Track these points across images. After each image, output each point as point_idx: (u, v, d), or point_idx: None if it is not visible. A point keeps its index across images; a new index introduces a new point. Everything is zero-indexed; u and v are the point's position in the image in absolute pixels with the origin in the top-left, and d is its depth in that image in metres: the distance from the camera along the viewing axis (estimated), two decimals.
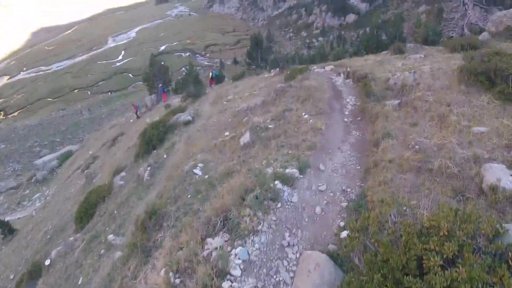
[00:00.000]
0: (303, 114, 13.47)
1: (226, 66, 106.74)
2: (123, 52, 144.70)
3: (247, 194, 8.09)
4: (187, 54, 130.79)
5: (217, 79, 37.86)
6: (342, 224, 7.47)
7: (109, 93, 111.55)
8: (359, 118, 12.86)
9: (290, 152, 10.55)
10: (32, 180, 42.96)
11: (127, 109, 71.34)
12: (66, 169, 41.54)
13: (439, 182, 7.75)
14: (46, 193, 35.99)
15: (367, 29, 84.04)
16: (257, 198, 7.85)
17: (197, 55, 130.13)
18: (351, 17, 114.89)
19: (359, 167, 9.68)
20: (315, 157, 9.97)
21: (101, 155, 33.29)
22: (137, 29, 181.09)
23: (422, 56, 18.52)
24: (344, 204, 8.14)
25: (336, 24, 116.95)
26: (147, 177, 14.74)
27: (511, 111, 9.77)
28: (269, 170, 9.24)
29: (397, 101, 11.98)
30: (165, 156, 16.18)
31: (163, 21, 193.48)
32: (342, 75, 20.31)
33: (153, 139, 18.24)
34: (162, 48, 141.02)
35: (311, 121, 12.43)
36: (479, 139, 8.80)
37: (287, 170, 9.10)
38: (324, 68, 24.52)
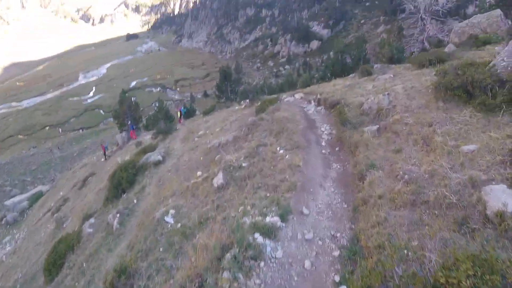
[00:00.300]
0: (278, 149, 12.59)
1: (196, 100, 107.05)
2: (94, 88, 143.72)
3: (224, 252, 7.04)
4: (158, 89, 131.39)
5: (187, 114, 37.69)
6: (337, 278, 6.47)
7: (80, 130, 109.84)
8: (337, 149, 12.05)
9: (268, 195, 9.58)
10: (2, 222, 40.48)
11: (98, 147, 69.59)
12: (37, 210, 39.35)
13: (439, 215, 6.87)
14: (16, 237, 33.69)
15: (331, 53, 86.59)
16: (235, 258, 6.77)
17: (167, 90, 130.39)
18: (314, 44, 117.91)
19: (346, 206, 8.76)
20: (296, 199, 9.00)
21: (71, 197, 31.61)
22: (108, 65, 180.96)
23: (391, 75, 18.20)
24: (336, 253, 7.16)
25: (301, 52, 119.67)
26: (117, 225, 13.82)
27: (496, 123, 9.09)
28: (247, 220, 8.22)
29: (375, 127, 11.26)
30: (135, 201, 15.40)
31: (133, 57, 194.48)
32: (313, 102, 19.81)
33: (123, 183, 17.45)
34: (133, 84, 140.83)
35: (287, 156, 11.52)
36: (470, 158, 8.02)
37: (268, 219, 8.07)
38: (294, 96, 24.18)
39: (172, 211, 11.32)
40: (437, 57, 17.28)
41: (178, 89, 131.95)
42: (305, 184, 9.66)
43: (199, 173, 13.74)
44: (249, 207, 9.13)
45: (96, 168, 36.91)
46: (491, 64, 10.99)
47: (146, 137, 33.31)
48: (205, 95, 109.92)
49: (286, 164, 10.86)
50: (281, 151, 12.29)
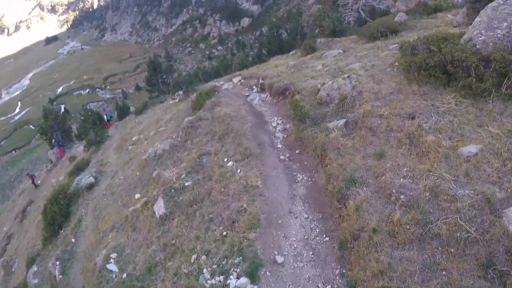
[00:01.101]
0: (226, 160, 10.27)
1: (129, 95, 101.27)
2: (19, 103, 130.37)
3: None
4: (87, 91, 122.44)
5: (112, 120, 35.04)
6: None
7: (13, 151, 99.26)
8: (297, 151, 9.90)
9: (225, 234, 7.32)
10: None
11: (35, 165, 63.23)
12: None
13: (456, 255, 5.27)
14: None
15: (264, 29, 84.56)
16: None
17: (97, 90, 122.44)
18: (245, 21, 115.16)
19: (328, 239, 6.66)
20: (263, 241, 6.80)
21: (15, 233, 27.82)
22: (30, 75, 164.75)
23: (341, 51, 16.21)
24: None
25: (232, 31, 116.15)
26: (59, 274, 12.00)
27: (489, 112, 7.42)
28: (203, 281, 5.83)
29: (342, 121, 9.14)
30: (73, 240, 13.30)
31: (56, 61, 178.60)
32: (255, 88, 17.51)
33: (57, 218, 15.19)
34: (59, 90, 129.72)
35: (239, 172, 9.22)
36: (475, 165, 6.34)
37: (232, 282, 5.77)
38: (232, 81, 21.79)
39: (113, 255, 9.76)
40: (389, 27, 15.53)
41: (108, 87, 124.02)
42: (271, 215, 7.43)
43: (137, 195, 11.88)
44: (204, 256, 7.01)
45: (33, 194, 32.57)
46: (465, 38, 9.26)
47: (79, 149, 29.99)
48: (138, 88, 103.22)
49: (241, 185, 8.57)
50: (230, 163, 9.94)
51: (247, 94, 17.11)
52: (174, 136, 14.34)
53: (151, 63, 39.09)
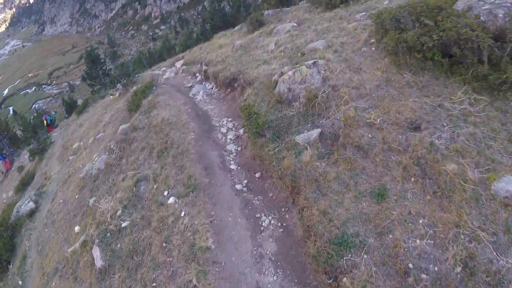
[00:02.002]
0: (166, 193, 7.70)
1: (76, 87, 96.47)
2: None
3: None
4: (33, 88, 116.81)
5: (53, 123, 33.14)
6: None
7: None
8: (257, 175, 7.29)
9: None
10: None
11: None
12: None
13: None
14: None
15: (206, 4, 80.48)
16: None
17: (44, 86, 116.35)
18: None
19: None
20: None
21: None
22: None
23: (295, 24, 13.53)
24: None
25: (173, 8, 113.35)
26: None
27: None
28: None
29: (315, 132, 6.56)
30: (20, 282, 11.81)
31: None
32: (199, 76, 14.73)
33: (2, 253, 14.02)
34: (5, 92, 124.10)
35: (183, 217, 6.79)
36: None
37: None
38: (175, 66, 19.12)
39: None
40: None
41: (54, 81, 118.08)
42: None
43: (77, 228, 10.09)
44: None
45: None
46: (461, 7, 6.91)
47: (27, 156, 27.69)
48: (84, 79, 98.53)
49: (187, 244, 5.99)
50: (172, 199, 7.38)
51: (190, 84, 14.40)
52: (111, 146, 11.85)
53: (88, 55, 34.71)
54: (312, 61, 8.19)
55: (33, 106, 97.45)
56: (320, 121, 6.74)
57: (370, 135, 5.83)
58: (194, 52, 19.63)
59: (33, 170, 21.02)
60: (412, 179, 5.08)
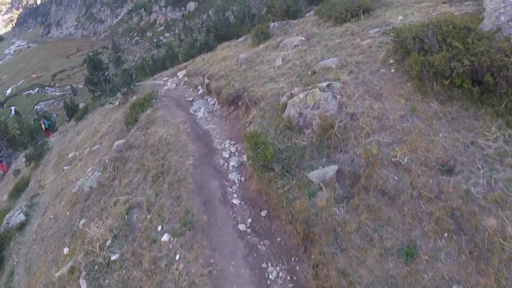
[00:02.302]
0: (160, 228, 6.95)
1: (79, 91, 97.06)
2: None
3: None
4: (36, 90, 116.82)
5: (52, 127, 32.74)
6: None
7: None
8: (263, 213, 6.46)
9: None
10: None
11: None
12: None
13: None
14: None
15: (210, 13, 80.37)
16: None
17: (46, 88, 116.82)
18: (191, 5, 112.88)
19: None
20: None
21: None
22: None
23: (303, 38, 12.79)
24: None
25: (178, 16, 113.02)
26: None
27: None
28: None
29: (331, 169, 5.74)
30: None
31: (2, 62, 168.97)
32: (200, 89, 14.02)
33: None
34: (8, 92, 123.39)
35: (178, 262, 5.99)
36: None
37: None
38: (176, 76, 18.46)
39: None
40: (360, 5, 12.35)
41: (57, 84, 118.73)
42: None
43: (66, 250, 9.29)
44: None
45: None
46: (489, 27, 6.19)
47: (24, 160, 27.75)
48: (86, 84, 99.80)
49: None
50: (166, 237, 6.63)
51: (191, 98, 13.64)
52: (105, 161, 11.16)
53: (90, 60, 34.07)
54: (326, 83, 7.42)
55: (35, 107, 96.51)
56: (337, 156, 5.92)
57: (396, 178, 5.01)
58: (197, 63, 18.91)
59: (28, 176, 20.59)
60: (446, 235, 4.27)
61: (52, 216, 12.42)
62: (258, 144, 6.37)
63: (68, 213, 11.07)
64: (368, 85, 7.00)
